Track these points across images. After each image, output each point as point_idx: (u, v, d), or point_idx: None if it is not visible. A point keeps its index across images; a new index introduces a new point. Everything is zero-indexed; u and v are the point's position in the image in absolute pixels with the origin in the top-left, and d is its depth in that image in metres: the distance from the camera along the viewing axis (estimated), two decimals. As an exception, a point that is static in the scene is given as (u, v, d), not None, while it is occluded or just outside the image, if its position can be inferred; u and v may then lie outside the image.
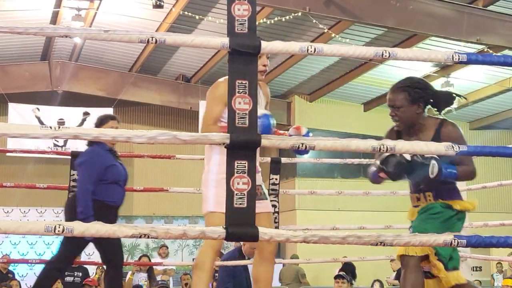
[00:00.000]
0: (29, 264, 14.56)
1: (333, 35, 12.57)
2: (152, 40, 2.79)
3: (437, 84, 15.02)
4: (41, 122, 15.19)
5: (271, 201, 4.89)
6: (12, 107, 15.51)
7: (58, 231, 2.46)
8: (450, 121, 4.24)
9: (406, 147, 3.11)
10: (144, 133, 2.72)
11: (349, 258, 9.79)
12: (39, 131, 2.54)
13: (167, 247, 13.83)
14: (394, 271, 13.70)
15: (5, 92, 15.44)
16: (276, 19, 12.04)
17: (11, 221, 2.48)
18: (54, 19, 13.09)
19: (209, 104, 4.27)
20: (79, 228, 2.51)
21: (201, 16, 12.38)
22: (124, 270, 13.51)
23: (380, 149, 3.01)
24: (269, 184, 6.71)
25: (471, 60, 3.19)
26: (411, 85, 4.22)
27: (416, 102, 4.20)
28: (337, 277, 9.39)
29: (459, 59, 3.11)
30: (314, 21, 11.98)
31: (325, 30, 12.60)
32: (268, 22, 12.09)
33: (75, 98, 15.87)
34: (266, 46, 2.90)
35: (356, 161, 7.36)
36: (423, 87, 4.25)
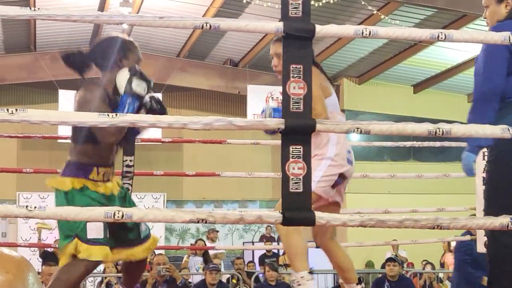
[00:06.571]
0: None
1: (382, 16, 12.44)
2: (206, 26, 2.78)
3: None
4: (92, 109, 15.34)
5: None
6: (62, 94, 15.66)
7: (118, 217, 2.49)
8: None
9: (462, 130, 3.07)
10: (200, 119, 2.72)
11: (400, 241, 9.74)
12: (97, 119, 2.57)
13: (217, 231, 13.90)
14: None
15: (55, 79, 15.60)
16: (324, 1, 11.95)
17: (72, 208, 2.51)
18: (102, 5, 13.18)
19: None
20: (138, 214, 2.54)
21: (248, 0, 12.35)
22: (180, 253, 13.68)
23: (436, 132, 2.98)
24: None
25: (529, 41, 3.12)
26: None
27: None
28: (389, 259, 9.36)
29: (516, 40, 3.05)
30: (363, 2, 11.87)
31: (374, 12, 12.47)
32: (317, 4, 12.00)
33: (124, 84, 15.99)
34: (321, 30, 2.88)
35: (408, 143, 7.36)
36: None
